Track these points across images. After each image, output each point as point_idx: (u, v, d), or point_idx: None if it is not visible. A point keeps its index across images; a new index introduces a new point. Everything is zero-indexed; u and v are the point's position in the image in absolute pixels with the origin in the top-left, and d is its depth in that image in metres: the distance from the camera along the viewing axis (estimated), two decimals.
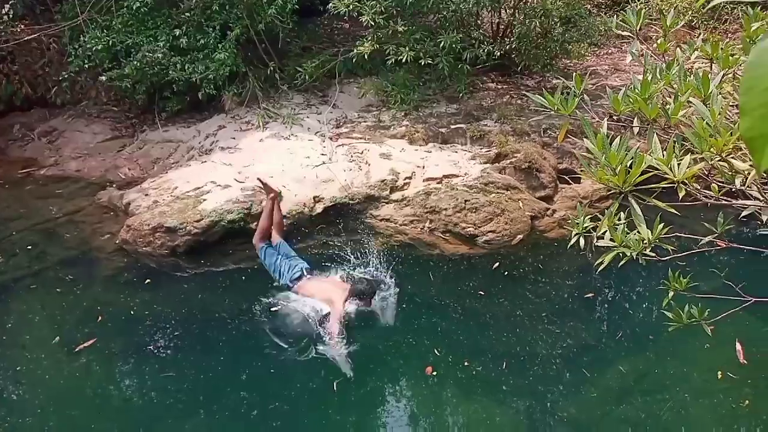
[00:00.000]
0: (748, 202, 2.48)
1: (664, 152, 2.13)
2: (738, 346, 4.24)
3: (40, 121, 7.92)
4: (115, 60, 7.11)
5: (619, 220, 2.58)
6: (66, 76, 7.38)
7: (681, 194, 2.25)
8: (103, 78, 7.08)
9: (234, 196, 5.71)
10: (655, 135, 2.19)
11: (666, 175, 2.12)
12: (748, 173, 2.25)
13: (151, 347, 4.49)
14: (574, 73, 2.62)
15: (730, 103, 2.62)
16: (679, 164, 2.10)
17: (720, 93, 2.23)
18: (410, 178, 6.23)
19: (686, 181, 2.19)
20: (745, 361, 4.18)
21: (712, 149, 2.09)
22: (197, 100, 7.32)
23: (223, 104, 7.47)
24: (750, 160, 2.09)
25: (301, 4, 7.48)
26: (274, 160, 6.33)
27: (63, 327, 4.71)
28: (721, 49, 2.56)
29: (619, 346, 4.58)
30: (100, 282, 5.24)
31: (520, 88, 8.04)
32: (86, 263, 5.49)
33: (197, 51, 7.02)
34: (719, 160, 2.18)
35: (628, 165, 2.09)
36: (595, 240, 2.66)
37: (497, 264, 5.38)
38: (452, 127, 7.11)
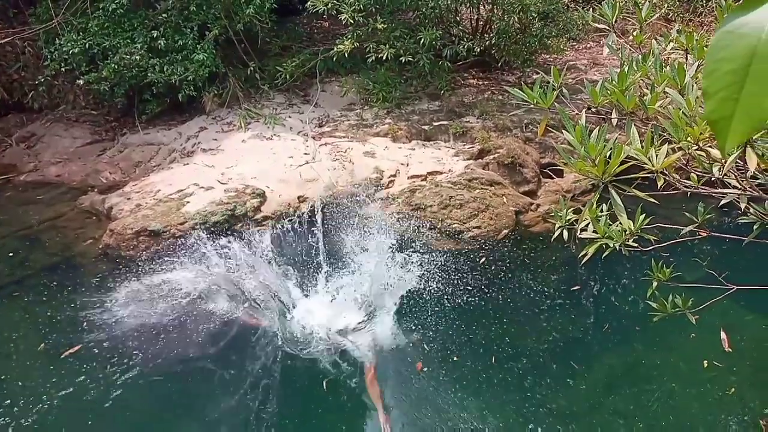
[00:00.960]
0: (727, 191, 2.51)
1: (643, 143, 2.15)
2: (723, 335, 4.30)
3: (17, 127, 7.78)
4: (93, 63, 7.00)
5: (601, 211, 2.60)
6: (42, 80, 7.27)
7: (660, 183, 2.27)
8: (81, 81, 6.98)
9: (217, 198, 5.67)
10: (633, 126, 2.21)
11: (645, 165, 2.14)
12: (725, 162, 2.28)
13: (138, 352, 4.45)
14: (553, 67, 2.63)
15: None
16: (657, 154, 2.12)
17: (696, 83, 2.25)
18: (395, 176, 6.22)
19: (665, 171, 2.21)
20: (730, 349, 4.24)
21: (689, 138, 2.11)
22: (177, 102, 7.23)
23: (204, 105, 7.39)
24: None
25: (280, 3, 7.43)
26: (256, 160, 6.30)
27: (48, 334, 4.66)
28: (696, 40, 2.58)
29: (606, 338, 4.62)
30: (84, 287, 5.17)
31: (501, 83, 8.07)
32: (70, 269, 5.43)
33: (176, 52, 6.93)
34: (696, 149, 2.20)
35: (607, 156, 2.10)
36: (578, 232, 2.67)
37: (483, 259, 5.40)
38: (435, 124, 7.12)
